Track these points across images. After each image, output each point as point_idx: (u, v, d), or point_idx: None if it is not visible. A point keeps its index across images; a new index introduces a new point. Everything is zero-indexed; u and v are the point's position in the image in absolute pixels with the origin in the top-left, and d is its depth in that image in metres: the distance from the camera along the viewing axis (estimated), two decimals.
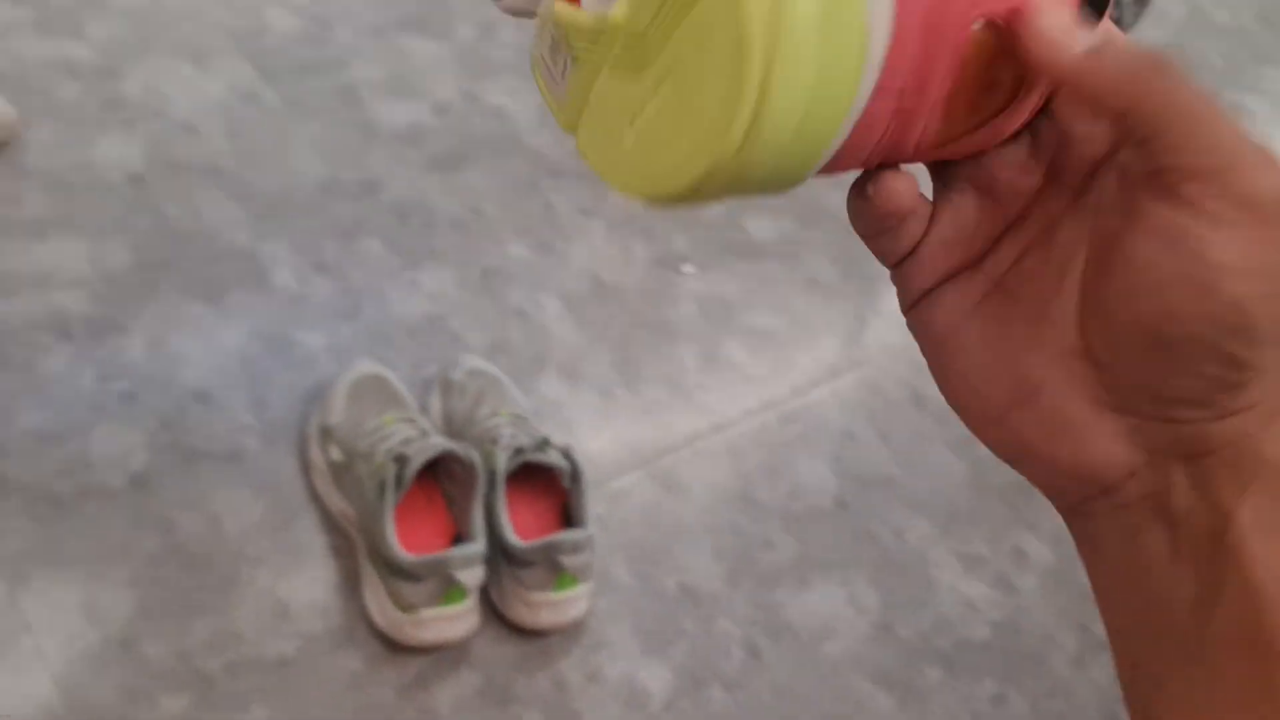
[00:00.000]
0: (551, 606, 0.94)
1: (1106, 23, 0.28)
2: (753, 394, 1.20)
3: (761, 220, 1.37)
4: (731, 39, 0.24)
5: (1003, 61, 0.27)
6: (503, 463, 0.94)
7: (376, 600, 0.91)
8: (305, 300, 1.08)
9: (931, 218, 0.30)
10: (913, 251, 0.30)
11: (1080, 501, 0.29)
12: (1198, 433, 0.26)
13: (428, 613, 0.89)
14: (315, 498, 0.96)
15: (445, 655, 0.92)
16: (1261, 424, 0.26)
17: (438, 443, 0.92)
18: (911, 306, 0.31)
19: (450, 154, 1.28)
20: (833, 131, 0.25)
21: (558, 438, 0.99)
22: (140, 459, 0.93)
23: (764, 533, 1.08)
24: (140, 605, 0.87)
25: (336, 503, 0.95)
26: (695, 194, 0.26)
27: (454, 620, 0.91)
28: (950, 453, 1.21)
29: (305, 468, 0.97)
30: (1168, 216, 0.25)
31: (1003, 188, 0.29)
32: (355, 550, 0.94)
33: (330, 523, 0.96)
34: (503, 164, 1.30)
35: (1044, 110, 0.29)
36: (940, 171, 0.30)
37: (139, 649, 0.85)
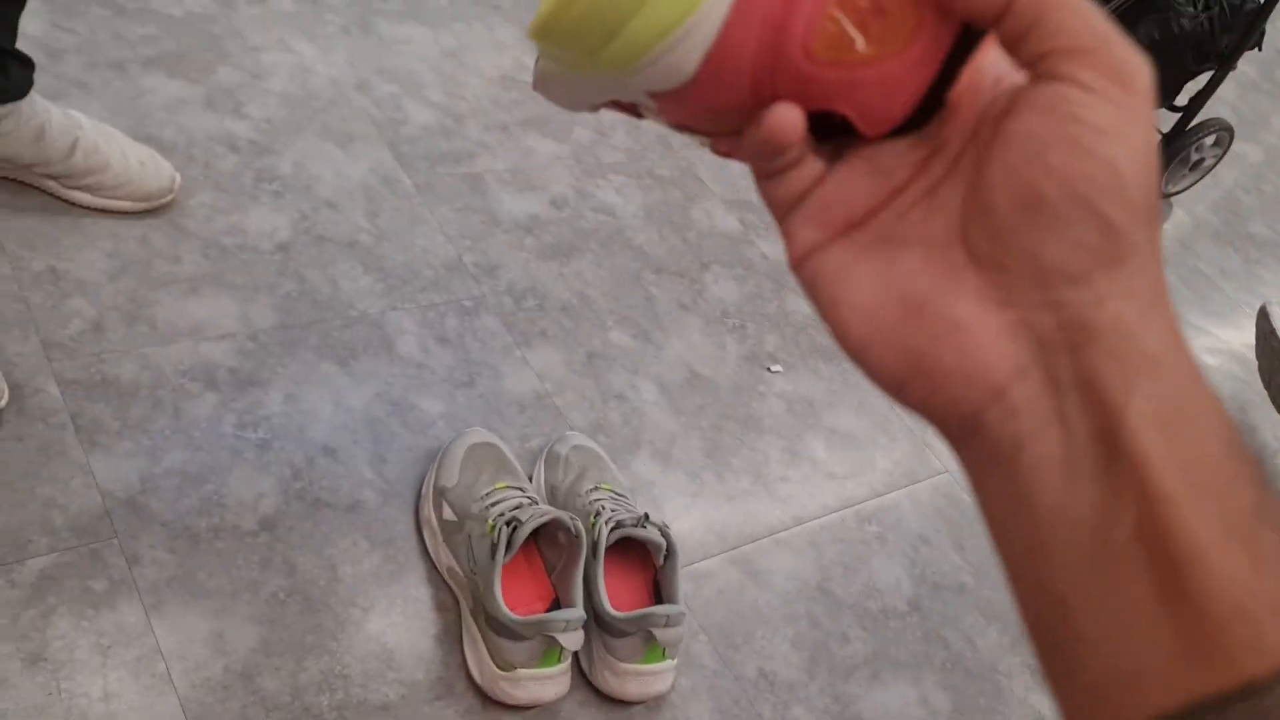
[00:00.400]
0: (639, 678, 0.98)
1: None
2: (832, 491, 1.25)
3: None
4: None
5: None
6: (604, 535, 1.00)
7: (476, 656, 0.97)
8: (426, 369, 1.16)
9: (821, 177, 0.31)
10: (799, 204, 0.32)
11: (973, 414, 0.28)
12: (1079, 318, 0.27)
13: (525, 672, 0.94)
14: (425, 553, 1.03)
15: (536, 715, 0.96)
16: (1140, 314, 0.27)
17: (547, 510, 0.98)
18: (799, 261, 0.32)
19: (563, 244, 1.37)
20: None
21: (651, 515, 1.05)
22: (270, 504, 1.00)
23: (840, 627, 1.12)
24: (262, 640, 0.93)
25: (445, 560, 1.01)
26: (562, 17, 0.28)
27: (549, 681, 0.96)
28: None
29: (418, 524, 1.04)
30: (1047, 91, 0.27)
31: (886, 159, 0.31)
32: (459, 606, 1.00)
33: (437, 578, 1.02)
34: (610, 256, 1.38)
35: (926, 106, 0.30)
36: (832, 141, 0.31)
37: (258, 682, 0.91)
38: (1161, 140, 1.95)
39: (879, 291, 0.30)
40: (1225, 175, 2.19)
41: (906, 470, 1.30)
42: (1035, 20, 0.27)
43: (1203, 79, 1.87)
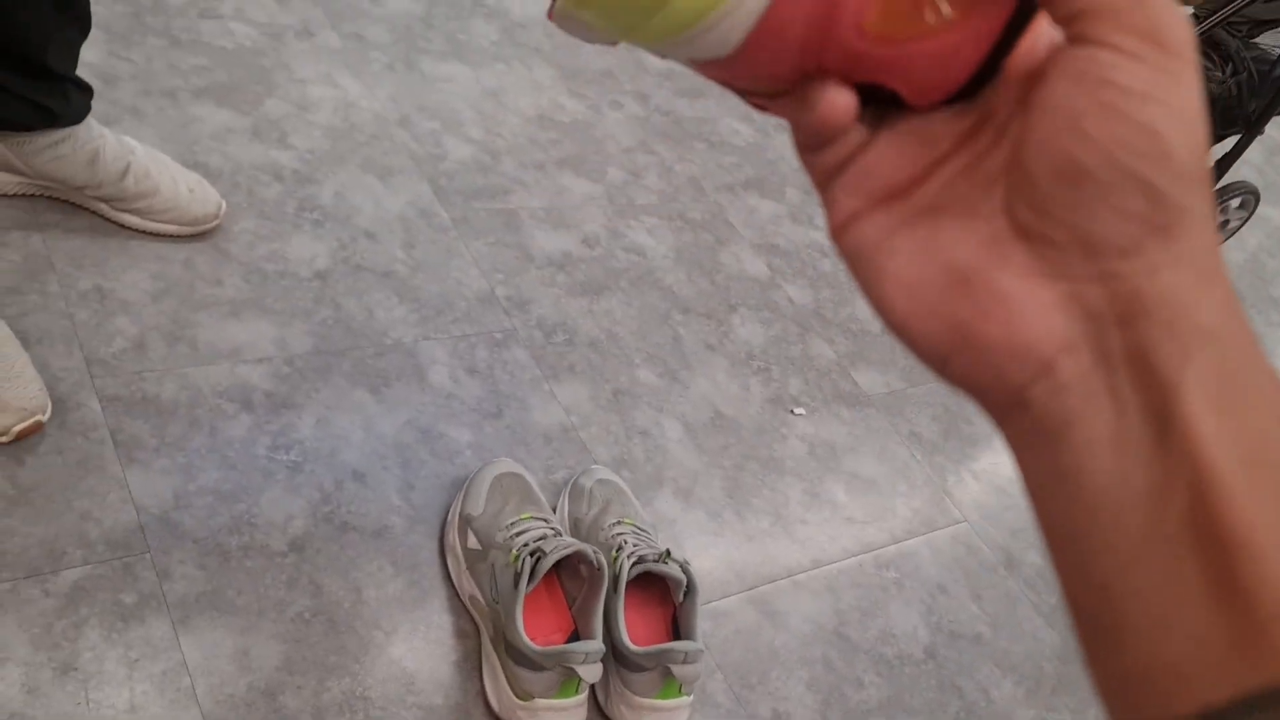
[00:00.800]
0: (655, 713, 0.99)
1: None
2: (851, 536, 1.26)
3: (870, 373, 1.46)
4: None
5: None
6: (625, 569, 1.01)
7: (495, 685, 0.98)
8: (456, 399, 1.18)
9: (864, 145, 0.30)
10: (840, 171, 0.31)
11: (1019, 389, 0.27)
12: (1131, 290, 0.26)
13: (542, 702, 0.95)
14: (448, 580, 1.04)
15: None
16: (1195, 284, 0.25)
17: (571, 542, 0.99)
18: (840, 229, 0.31)
19: (594, 282, 1.39)
20: None
21: (673, 552, 1.06)
22: (300, 525, 1.02)
23: (855, 671, 1.13)
24: (285, 659, 0.95)
25: (467, 587, 1.03)
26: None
27: (566, 713, 0.97)
28: (1040, 619, 1.25)
29: (443, 551, 1.06)
30: (1080, 56, 0.26)
31: (933, 127, 0.30)
32: (479, 634, 1.02)
33: (459, 605, 1.03)
34: (639, 295, 1.41)
35: (980, 77, 0.29)
36: (878, 108, 0.31)
37: (280, 700, 0.92)
38: None
39: (922, 263, 0.29)
40: (1250, 238, 2.20)
41: (926, 518, 1.31)
42: None
43: (1229, 142, 1.89)
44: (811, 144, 0.30)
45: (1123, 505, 0.25)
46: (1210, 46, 1.70)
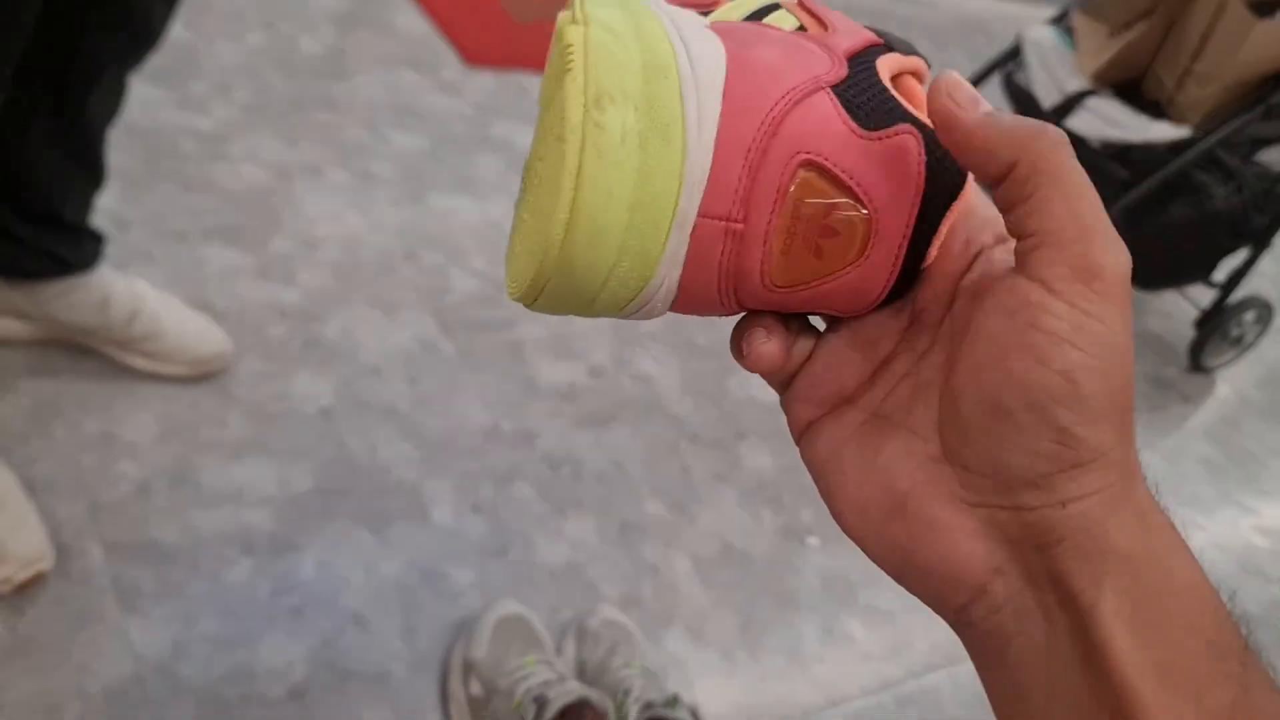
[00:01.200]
0: None
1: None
2: (870, 672, 1.22)
3: None
4: (557, 147, 0.28)
5: (840, 210, 0.29)
6: (633, 715, 0.98)
7: None
8: (460, 537, 1.16)
9: (811, 354, 0.32)
10: (792, 381, 0.32)
11: (961, 609, 0.29)
12: (1044, 520, 0.26)
13: None
14: None
15: None
16: (1107, 512, 0.26)
17: (575, 688, 0.96)
18: (798, 438, 0.32)
19: (600, 413, 1.39)
20: (660, 234, 0.28)
21: (682, 695, 1.03)
22: (300, 672, 1.00)
23: None
24: None
25: None
26: (537, 293, 0.29)
27: None
28: None
29: (445, 698, 1.03)
30: (1015, 286, 0.27)
31: (871, 331, 0.31)
32: None
33: None
34: (646, 426, 1.40)
35: (906, 277, 0.30)
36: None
37: None
38: (1201, 316, 1.96)
39: (866, 483, 0.30)
40: (1269, 350, 2.19)
41: (946, 652, 1.27)
42: (1028, 196, 0.27)
43: (1242, 254, 1.89)
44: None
45: (1063, 718, 0.26)
46: (1211, 164, 1.71)
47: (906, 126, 0.29)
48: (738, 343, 0.32)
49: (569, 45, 0.28)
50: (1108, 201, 1.72)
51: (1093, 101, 1.76)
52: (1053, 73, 1.83)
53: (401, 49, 1.94)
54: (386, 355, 1.33)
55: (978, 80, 1.98)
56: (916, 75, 0.33)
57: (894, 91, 0.30)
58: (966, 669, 1.18)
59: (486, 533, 1.18)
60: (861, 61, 0.31)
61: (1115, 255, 0.26)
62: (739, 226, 0.28)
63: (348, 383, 1.28)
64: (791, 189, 0.28)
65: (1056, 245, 0.26)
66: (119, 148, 1.11)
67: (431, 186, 1.64)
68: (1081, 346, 0.26)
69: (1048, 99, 1.82)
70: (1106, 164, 1.75)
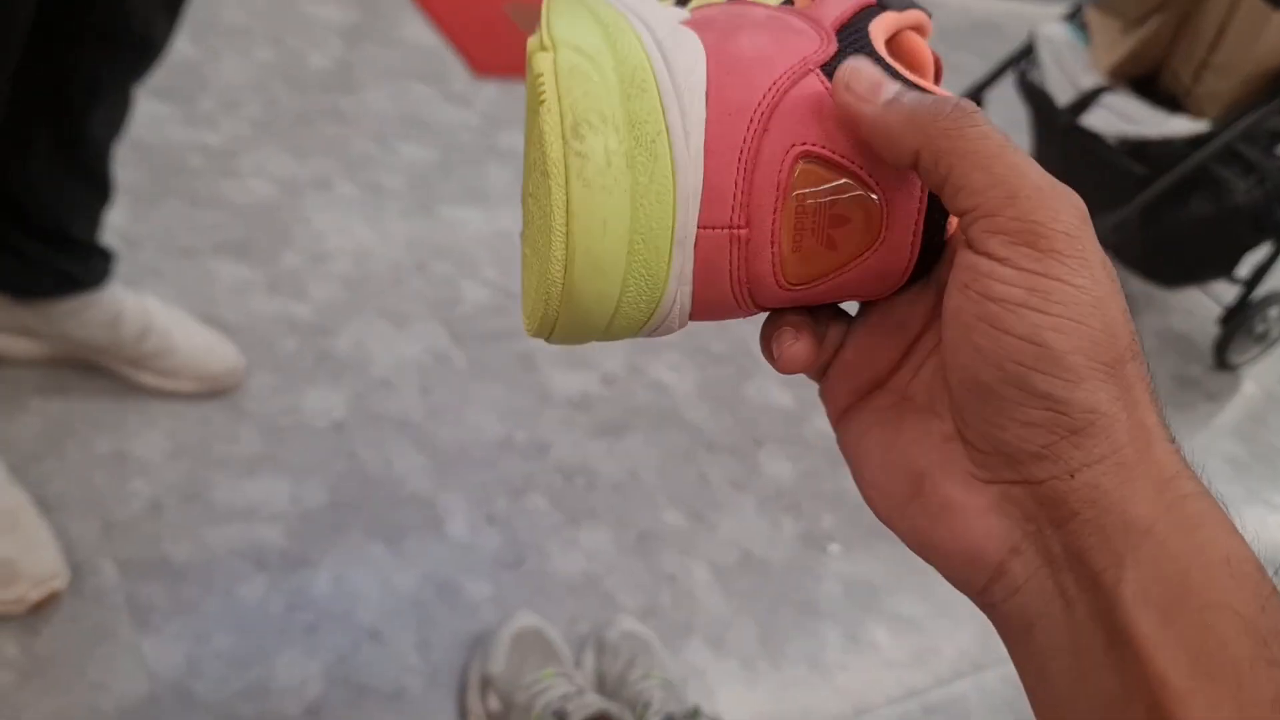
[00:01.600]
0: None
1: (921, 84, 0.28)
2: (894, 680, 1.20)
3: None
4: (544, 182, 0.27)
5: (846, 196, 0.28)
6: None
7: None
8: (474, 549, 1.15)
9: (842, 343, 0.31)
10: (826, 370, 0.32)
11: (981, 591, 0.28)
12: (1055, 492, 0.25)
13: None
14: None
15: None
16: (1119, 479, 0.25)
17: (594, 701, 0.95)
18: (835, 426, 0.32)
19: (614, 422, 1.37)
20: (663, 255, 0.27)
21: (703, 707, 1.01)
22: (315, 689, 0.98)
23: None
24: None
25: None
26: (550, 328, 0.28)
27: None
28: None
29: (463, 713, 1.01)
30: (966, 261, 0.26)
31: (900, 312, 0.30)
32: None
33: None
34: (662, 434, 1.38)
35: (928, 252, 0.29)
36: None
37: None
38: (1225, 313, 1.93)
39: (888, 466, 0.29)
40: None
41: (972, 659, 1.24)
42: (945, 177, 0.26)
43: (1266, 248, 1.86)
44: None
45: (1090, 709, 0.24)
46: (1231, 157, 1.69)
47: None
48: (767, 346, 0.31)
49: (539, 75, 0.27)
50: (1125, 198, 1.70)
51: (1109, 98, 1.74)
52: (1067, 69, 1.81)
53: (409, 61, 1.93)
54: (398, 367, 1.32)
55: (991, 80, 1.96)
56: (919, 29, 0.31)
57: (889, 59, 0.29)
58: (993, 676, 1.16)
59: (501, 544, 1.16)
60: (852, 31, 0.29)
61: (1051, 209, 0.25)
62: (743, 232, 0.27)
63: (360, 395, 1.27)
64: (792, 184, 0.27)
65: (987, 215, 0.25)
66: (126, 164, 1.10)
67: (441, 198, 1.63)
68: (1039, 308, 0.24)
69: (1063, 96, 1.80)
70: (1124, 160, 1.72)
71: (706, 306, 0.29)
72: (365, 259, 1.47)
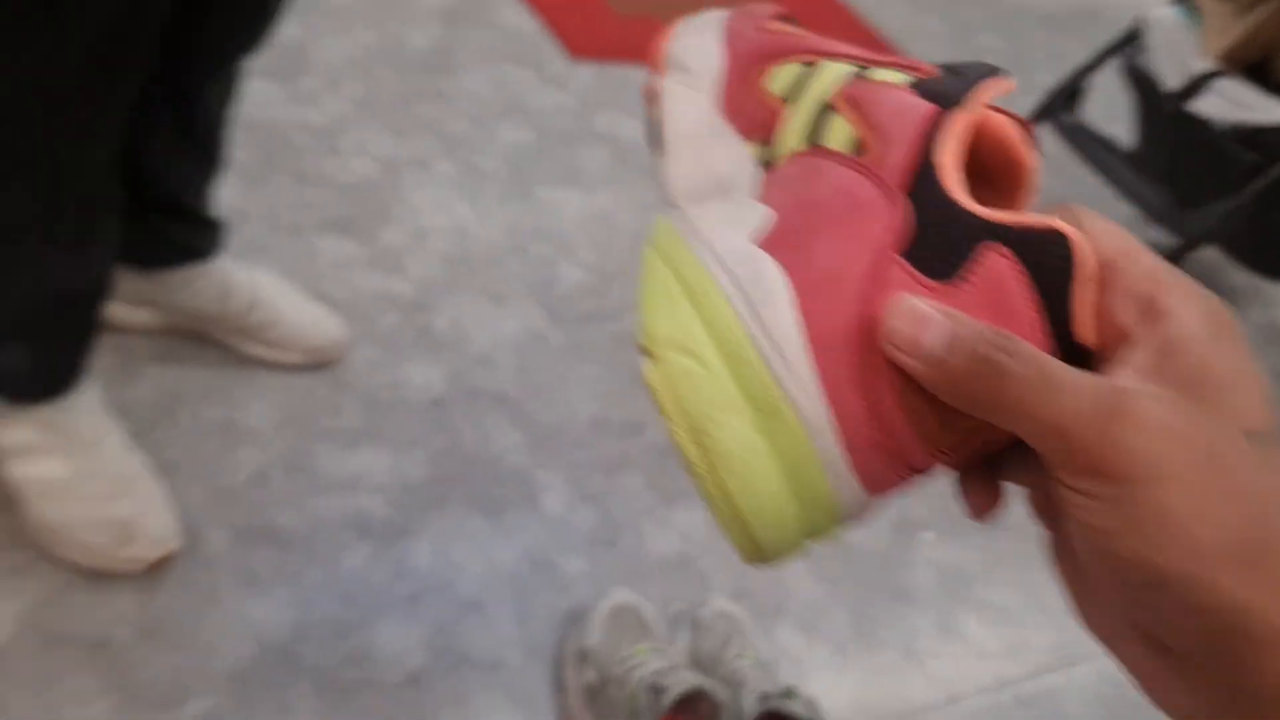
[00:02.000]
0: None
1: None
2: (987, 670, 1.19)
3: None
4: (693, 471, 0.29)
5: None
6: (748, 706, 0.96)
7: None
8: (570, 526, 1.16)
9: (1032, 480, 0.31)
10: (1044, 509, 0.31)
11: None
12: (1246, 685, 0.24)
13: None
14: (563, 715, 1.01)
15: None
16: None
17: (689, 677, 0.95)
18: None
19: None
20: (823, 490, 0.28)
21: (799, 688, 1.01)
22: (417, 658, 1.00)
23: None
24: None
25: None
26: (762, 561, 0.30)
27: None
28: None
29: (559, 686, 1.02)
30: (1062, 499, 0.25)
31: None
32: None
33: None
34: None
35: (1072, 357, 0.28)
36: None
37: None
38: None
39: (1095, 608, 0.29)
40: None
41: (1066, 652, 1.22)
42: (1012, 427, 0.26)
43: None
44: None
45: None
46: None
47: (986, 246, 0.27)
48: (963, 505, 0.32)
49: (653, 389, 0.30)
50: (1235, 187, 1.65)
51: (1220, 83, 1.69)
52: (1177, 54, 1.76)
53: (506, 44, 1.95)
54: (496, 345, 1.34)
55: (1093, 66, 1.91)
56: (992, 100, 0.31)
57: (957, 198, 0.28)
58: (1087, 670, 1.14)
59: (596, 522, 1.18)
60: (922, 176, 0.29)
61: (1109, 439, 0.24)
62: (882, 439, 0.28)
63: (458, 372, 1.29)
64: (903, 382, 0.28)
65: (1052, 454, 0.25)
66: (234, 142, 1.13)
67: (537, 179, 1.65)
68: (1129, 533, 0.24)
69: (1172, 81, 1.75)
70: (1234, 148, 1.67)
71: (882, 493, 0.30)
72: (463, 238, 1.48)
